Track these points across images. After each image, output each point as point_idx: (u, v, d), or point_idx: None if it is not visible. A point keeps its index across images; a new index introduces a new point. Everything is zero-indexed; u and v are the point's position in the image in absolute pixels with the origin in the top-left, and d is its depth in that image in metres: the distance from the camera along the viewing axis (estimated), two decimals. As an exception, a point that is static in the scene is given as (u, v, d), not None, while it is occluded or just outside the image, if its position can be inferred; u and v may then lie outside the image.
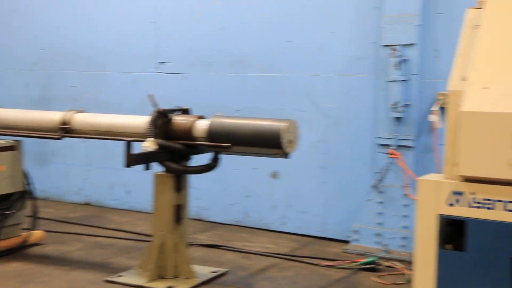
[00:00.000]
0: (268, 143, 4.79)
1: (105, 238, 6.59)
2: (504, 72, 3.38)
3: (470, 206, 3.45)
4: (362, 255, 5.99)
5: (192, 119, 5.12)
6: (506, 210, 3.33)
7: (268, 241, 6.61)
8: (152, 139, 4.95)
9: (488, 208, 3.39)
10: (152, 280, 5.04)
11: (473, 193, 3.44)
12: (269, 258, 6.00)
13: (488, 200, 3.40)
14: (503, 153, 3.26)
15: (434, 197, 3.54)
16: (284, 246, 6.44)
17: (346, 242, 6.41)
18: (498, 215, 3.35)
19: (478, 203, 3.43)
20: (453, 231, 3.50)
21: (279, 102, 6.90)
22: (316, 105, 6.76)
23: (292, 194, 6.95)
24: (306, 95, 6.81)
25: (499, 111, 3.28)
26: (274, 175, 7.05)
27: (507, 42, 3.45)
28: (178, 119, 5.15)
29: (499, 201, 3.36)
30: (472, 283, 3.43)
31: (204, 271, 5.36)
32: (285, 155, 4.79)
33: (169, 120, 5.12)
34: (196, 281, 5.10)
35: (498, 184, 3.35)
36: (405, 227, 6.02)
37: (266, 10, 7.01)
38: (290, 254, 6.13)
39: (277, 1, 6.95)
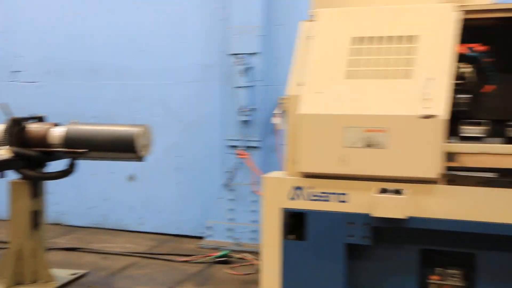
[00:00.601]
0: (123, 148, 4.72)
1: (-40, 248, 6.16)
2: (334, 78, 3.55)
3: (309, 199, 3.58)
4: (216, 249, 6.05)
5: (47, 126, 4.94)
6: (339, 201, 3.51)
7: (127, 241, 6.50)
8: (7, 147, 4.71)
9: (324, 200, 3.55)
10: (9, 287, 4.79)
11: (311, 188, 3.58)
12: (128, 257, 5.90)
13: (324, 193, 3.55)
14: (335, 150, 3.43)
15: (277, 193, 3.64)
16: (142, 245, 6.37)
17: (201, 238, 6.46)
18: (332, 206, 3.52)
19: (316, 196, 3.57)
20: (295, 223, 3.63)
21: (134, 109, 6.82)
22: (169, 110, 6.74)
23: (149, 196, 6.88)
24: (159, 101, 6.78)
25: (330, 113, 3.45)
26: (131, 178, 6.95)
27: (336, 51, 3.63)
28: (33, 127, 4.94)
29: (333, 193, 3.53)
30: (313, 268, 3.57)
31: (63, 274, 5.17)
32: (139, 158, 4.74)
33: (24, 128, 4.90)
34: (55, 284, 4.90)
35: (332, 179, 3.52)
36: (253, 221, 6.16)
37: (120, 18, 6.89)
38: (148, 252, 6.07)
39: (130, 10, 6.85)
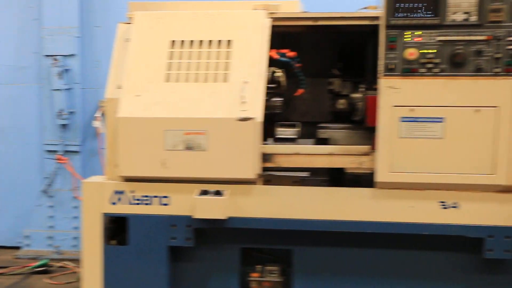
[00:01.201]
0: None
1: None
2: (153, 81, 3.49)
3: (131, 204, 3.49)
4: (34, 259, 5.76)
5: None
6: (161, 204, 3.46)
7: None
8: None
9: (146, 204, 3.48)
10: None
11: (132, 192, 3.49)
12: None
13: (146, 196, 3.49)
14: (156, 153, 3.38)
15: (98, 198, 3.51)
16: (-51, 260, 5.84)
17: (18, 248, 6.08)
18: (155, 209, 3.46)
19: (138, 200, 3.50)
20: (117, 227, 3.52)
21: None
22: (-20, 114, 6.27)
23: (-43, 206, 6.34)
24: (-32, 105, 6.28)
25: (150, 116, 3.38)
26: None
27: (154, 54, 3.57)
28: None
29: (155, 196, 3.47)
30: (136, 273, 3.49)
31: None
32: None
33: None
34: None
35: (154, 182, 3.46)
36: (75, 228, 5.94)
37: None
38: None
39: None
